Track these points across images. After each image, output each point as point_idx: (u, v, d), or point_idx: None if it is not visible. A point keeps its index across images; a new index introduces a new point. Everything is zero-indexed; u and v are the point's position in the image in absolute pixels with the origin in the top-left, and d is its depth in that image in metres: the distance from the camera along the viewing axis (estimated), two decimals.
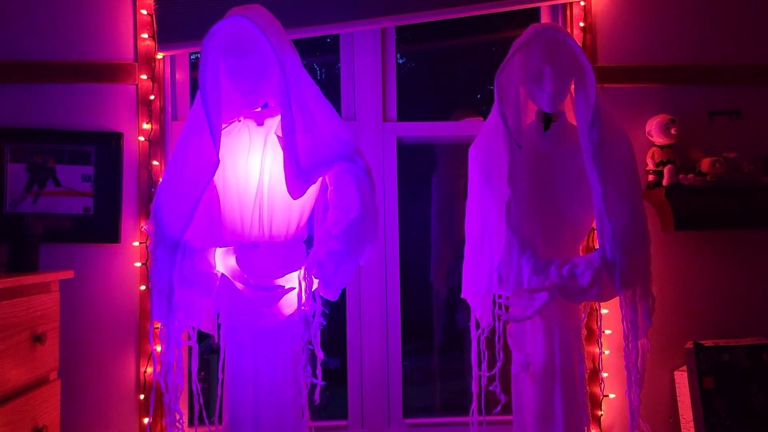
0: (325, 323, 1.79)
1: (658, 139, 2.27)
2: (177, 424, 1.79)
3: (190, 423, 2.21)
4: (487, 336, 1.95)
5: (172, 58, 2.34)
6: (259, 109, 1.86)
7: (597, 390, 2.25)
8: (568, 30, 2.33)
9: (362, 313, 2.32)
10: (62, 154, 2.22)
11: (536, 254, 1.88)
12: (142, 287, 2.21)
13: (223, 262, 1.80)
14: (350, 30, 2.31)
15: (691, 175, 2.21)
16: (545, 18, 2.45)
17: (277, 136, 1.80)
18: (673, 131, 2.24)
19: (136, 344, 2.21)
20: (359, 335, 2.32)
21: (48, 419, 1.84)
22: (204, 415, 1.87)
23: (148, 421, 1.94)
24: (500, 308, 1.94)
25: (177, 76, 2.36)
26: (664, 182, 2.21)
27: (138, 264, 2.22)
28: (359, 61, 2.37)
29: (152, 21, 2.24)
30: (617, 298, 1.88)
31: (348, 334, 2.33)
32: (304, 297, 1.76)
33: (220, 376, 1.88)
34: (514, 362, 1.95)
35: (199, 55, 1.71)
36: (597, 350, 2.23)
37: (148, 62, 2.25)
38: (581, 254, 1.98)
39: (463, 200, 2.03)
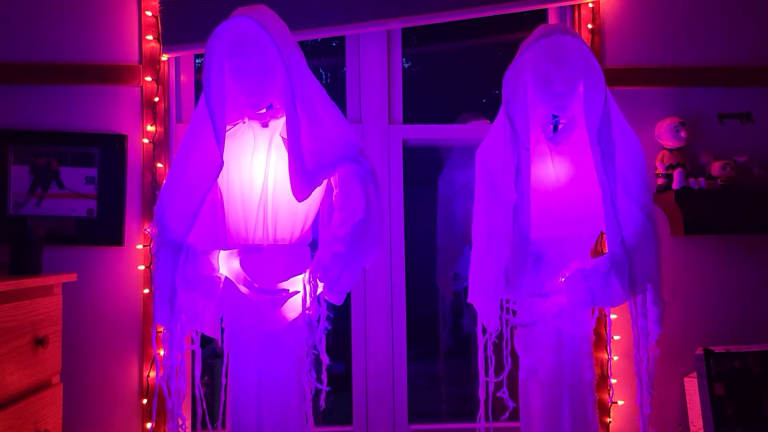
0: (329, 327, 1.77)
1: (668, 142, 2.25)
2: (180, 429, 1.77)
3: (193, 428, 2.19)
4: (495, 341, 1.92)
5: (176, 59, 2.33)
6: (264, 110, 1.84)
7: (606, 396, 2.22)
8: (577, 31, 2.30)
9: (367, 317, 2.30)
10: (66, 156, 2.21)
11: (544, 258, 1.85)
12: (146, 290, 2.19)
13: (227, 265, 1.79)
14: (357, 31, 2.30)
15: (701, 179, 2.19)
16: (553, 19, 2.43)
17: (282, 138, 1.78)
18: (682, 134, 2.22)
19: (139, 348, 2.20)
20: (364, 340, 2.30)
21: (50, 424, 1.82)
22: (207, 420, 1.85)
23: (151, 426, 1.92)
24: (508, 313, 1.92)
25: (182, 78, 2.35)
26: (674, 186, 2.18)
27: (141, 267, 2.20)
28: (365, 64, 2.35)
29: (157, 23, 2.23)
30: (626, 303, 1.86)
31: (353, 338, 2.31)
32: (308, 301, 1.74)
33: (224, 381, 1.86)
34: (521, 368, 1.92)
35: (203, 57, 1.70)
36: (606, 356, 2.20)
37: (153, 64, 2.23)
38: (590, 258, 1.95)
39: (469, 204, 2.01)
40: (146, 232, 2.19)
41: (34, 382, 1.77)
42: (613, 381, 2.20)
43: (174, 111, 2.31)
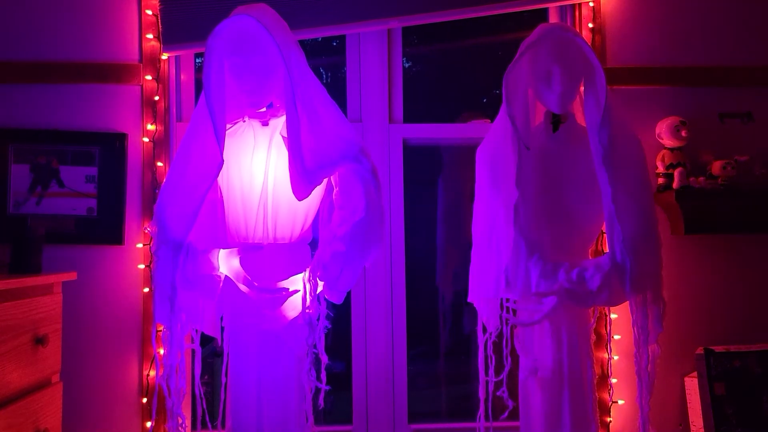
0: (329, 326, 1.77)
1: (668, 142, 2.25)
2: (180, 428, 1.77)
3: (193, 427, 2.19)
4: (495, 341, 1.92)
5: (177, 58, 2.32)
6: (264, 109, 1.84)
7: (606, 396, 2.21)
8: (577, 31, 2.30)
9: (367, 316, 2.30)
10: (66, 155, 2.20)
11: (545, 257, 1.85)
12: (146, 289, 2.19)
13: (227, 263, 1.79)
14: (357, 31, 2.30)
15: (701, 178, 2.18)
16: (554, 19, 2.43)
17: (282, 137, 1.78)
18: (683, 133, 2.21)
19: (139, 347, 2.20)
20: (364, 339, 2.30)
21: (49, 423, 1.82)
22: (207, 419, 1.85)
23: (151, 425, 1.92)
24: (508, 312, 1.92)
25: (182, 76, 2.35)
26: (675, 185, 2.18)
27: (141, 266, 2.20)
28: (365, 63, 2.35)
29: (157, 21, 2.23)
30: (627, 302, 1.86)
31: (353, 337, 2.30)
32: (308, 300, 1.74)
33: (224, 380, 1.86)
34: (521, 367, 1.92)
35: (203, 56, 1.70)
36: (606, 355, 2.20)
37: (153, 63, 2.23)
38: (591, 258, 1.95)
39: (469, 203, 2.01)
40: (146, 231, 2.19)
41: (33, 381, 1.77)
42: (614, 380, 2.20)
43: (174, 110, 2.31)
